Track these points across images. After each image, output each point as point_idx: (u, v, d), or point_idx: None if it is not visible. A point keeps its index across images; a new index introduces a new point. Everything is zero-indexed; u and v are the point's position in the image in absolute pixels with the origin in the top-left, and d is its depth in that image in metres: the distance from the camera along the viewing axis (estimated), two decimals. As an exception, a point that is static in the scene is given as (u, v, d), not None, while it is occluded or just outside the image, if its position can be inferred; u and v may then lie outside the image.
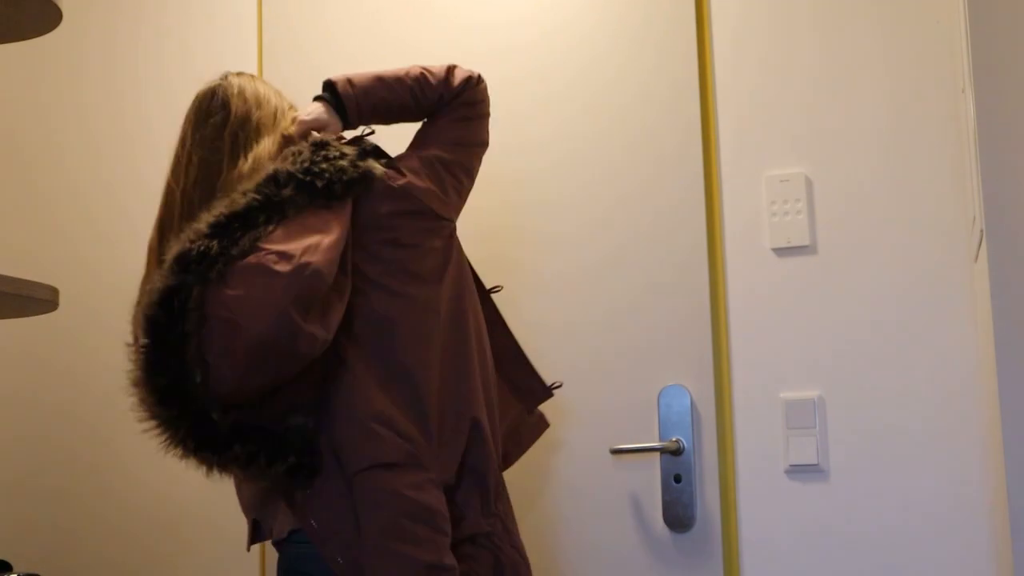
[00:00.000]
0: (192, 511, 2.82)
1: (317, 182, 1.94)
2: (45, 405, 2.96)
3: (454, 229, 2.10)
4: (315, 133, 2.07)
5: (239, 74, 2.15)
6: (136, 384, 1.84)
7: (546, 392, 2.24)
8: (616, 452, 2.49)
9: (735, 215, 2.51)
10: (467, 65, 2.73)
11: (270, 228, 1.87)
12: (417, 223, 2.03)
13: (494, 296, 2.22)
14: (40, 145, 3.06)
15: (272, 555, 2.74)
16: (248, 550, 2.16)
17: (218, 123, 2.05)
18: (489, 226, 2.64)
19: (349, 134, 2.15)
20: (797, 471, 2.41)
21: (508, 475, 2.63)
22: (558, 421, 2.56)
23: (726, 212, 2.52)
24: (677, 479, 2.47)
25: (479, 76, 2.18)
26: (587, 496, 2.53)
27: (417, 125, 2.20)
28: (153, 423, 1.83)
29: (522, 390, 2.21)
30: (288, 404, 1.88)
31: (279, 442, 1.86)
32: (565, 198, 2.63)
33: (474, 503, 1.99)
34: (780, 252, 2.47)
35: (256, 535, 2.10)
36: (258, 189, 1.91)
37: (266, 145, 2.04)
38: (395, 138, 2.17)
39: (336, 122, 2.08)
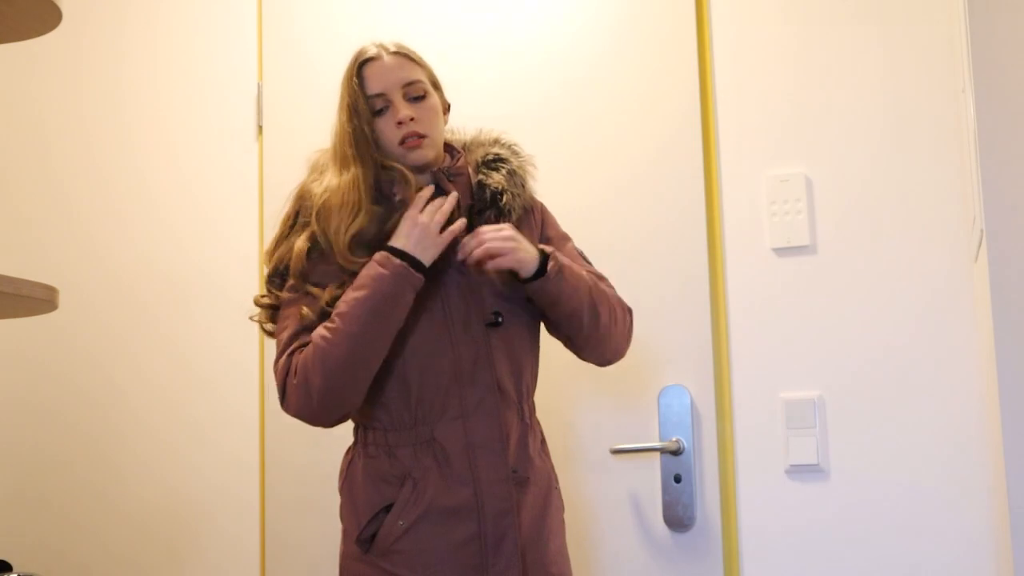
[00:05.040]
0: (192, 511, 2.82)
1: None
2: (44, 405, 2.96)
3: None
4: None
5: None
6: None
7: None
8: (616, 452, 2.49)
9: (735, 215, 2.51)
10: (465, 66, 2.74)
11: None
12: None
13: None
14: (39, 145, 3.06)
15: (271, 555, 2.74)
16: None
17: None
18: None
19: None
20: (797, 471, 2.41)
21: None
22: (558, 421, 2.56)
23: (726, 212, 2.51)
24: (677, 479, 2.47)
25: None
26: (587, 496, 2.53)
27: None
28: None
29: None
30: None
31: None
32: (565, 198, 2.62)
33: None
34: (780, 252, 2.47)
35: None
36: None
37: None
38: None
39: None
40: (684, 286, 2.51)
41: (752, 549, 2.43)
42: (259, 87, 2.88)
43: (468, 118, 2.17)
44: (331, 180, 2.05)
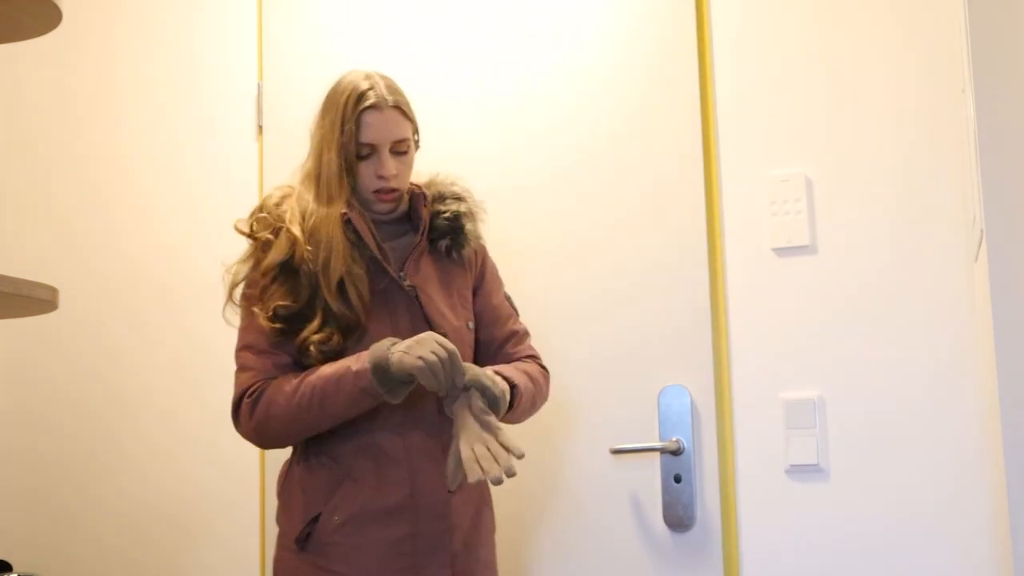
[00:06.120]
0: (191, 514, 2.82)
1: None
2: (43, 407, 2.96)
3: None
4: None
5: None
6: None
7: None
8: (616, 452, 2.49)
9: (735, 215, 2.51)
10: (465, 65, 2.74)
11: None
12: None
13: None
14: (38, 145, 3.06)
15: (271, 558, 2.74)
16: None
17: None
18: (489, 226, 2.65)
19: None
20: (797, 471, 2.41)
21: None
22: (558, 421, 2.56)
23: (726, 212, 2.51)
24: (677, 479, 2.47)
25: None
26: (587, 496, 2.53)
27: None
28: None
29: None
30: None
31: None
32: (565, 198, 2.63)
33: None
34: (780, 252, 2.47)
35: None
36: None
37: None
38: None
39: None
40: (684, 286, 2.51)
41: (752, 549, 2.43)
42: (259, 87, 2.88)
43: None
44: (314, 207, 2.13)
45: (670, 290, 2.52)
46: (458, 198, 2.25)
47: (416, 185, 2.24)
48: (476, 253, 2.28)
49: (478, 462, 1.94)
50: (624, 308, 2.55)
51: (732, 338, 2.48)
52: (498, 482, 1.92)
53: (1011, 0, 1.84)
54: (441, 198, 2.24)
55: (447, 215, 2.22)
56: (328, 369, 2.04)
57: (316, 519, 2.07)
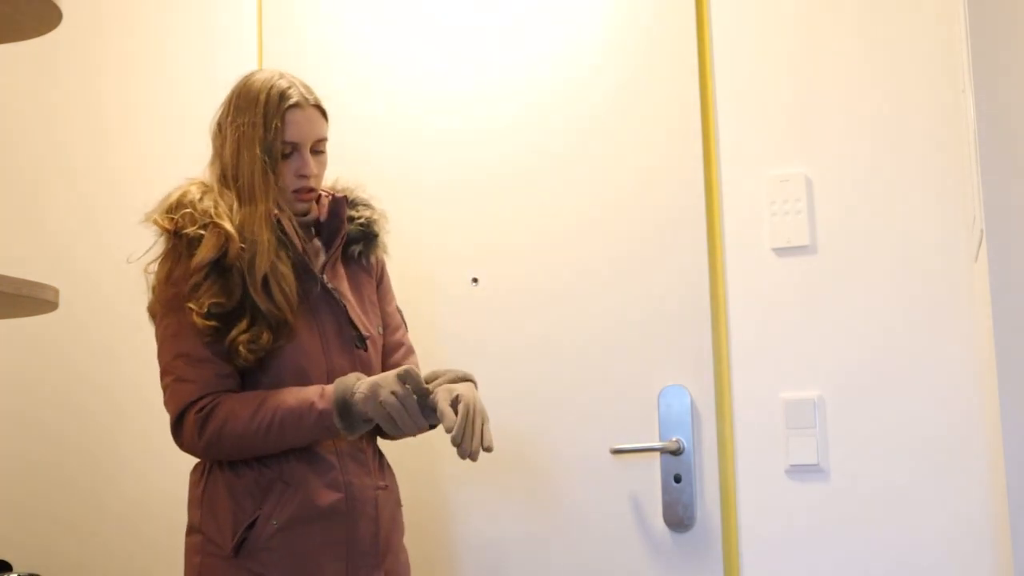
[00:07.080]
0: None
1: None
2: (43, 407, 2.96)
3: None
4: None
5: None
6: None
7: None
8: (616, 452, 2.49)
9: (735, 215, 2.51)
10: (465, 65, 2.74)
11: None
12: None
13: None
14: (39, 145, 3.06)
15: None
16: None
17: None
18: (489, 225, 2.65)
19: None
20: (797, 471, 2.41)
21: (509, 474, 2.65)
22: (558, 421, 2.56)
23: (726, 212, 2.51)
24: (677, 479, 2.47)
25: None
26: (587, 496, 2.53)
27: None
28: None
29: None
30: None
31: None
32: (565, 198, 2.63)
33: None
34: (780, 252, 2.47)
35: None
36: None
37: None
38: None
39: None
40: (684, 286, 2.51)
41: (752, 549, 2.43)
42: (259, 87, 2.87)
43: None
44: (237, 205, 2.12)
45: (670, 290, 2.52)
46: (367, 205, 2.28)
47: (328, 190, 2.25)
48: (378, 260, 2.31)
49: (463, 431, 1.97)
50: (624, 308, 2.55)
51: (732, 338, 2.48)
52: (464, 456, 1.97)
53: (1011, 0, 1.85)
54: (353, 204, 2.26)
55: (361, 220, 2.25)
56: (290, 399, 2.03)
57: (252, 524, 2.04)
